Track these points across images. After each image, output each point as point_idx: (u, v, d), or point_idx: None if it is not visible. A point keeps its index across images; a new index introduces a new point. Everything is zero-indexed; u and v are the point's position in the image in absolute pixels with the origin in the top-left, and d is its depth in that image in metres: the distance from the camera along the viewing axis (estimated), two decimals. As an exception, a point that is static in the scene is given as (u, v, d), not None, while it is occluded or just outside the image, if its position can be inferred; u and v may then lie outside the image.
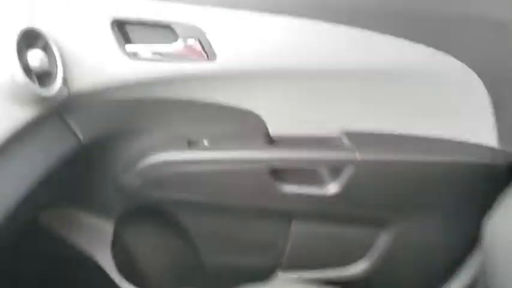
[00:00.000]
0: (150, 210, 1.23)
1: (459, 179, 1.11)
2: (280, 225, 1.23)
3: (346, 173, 1.12)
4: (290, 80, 1.12)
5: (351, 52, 1.09)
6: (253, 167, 1.14)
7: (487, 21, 1.10)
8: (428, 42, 1.08)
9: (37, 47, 0.97)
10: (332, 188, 1.14)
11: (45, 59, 0.97)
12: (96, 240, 1.26)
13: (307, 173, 1.16)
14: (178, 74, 1.12)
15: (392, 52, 1.08)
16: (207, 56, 1.10)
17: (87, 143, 1.11)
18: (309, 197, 1.15)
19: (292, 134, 1.18)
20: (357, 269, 1.24)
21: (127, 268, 1.30)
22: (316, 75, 1.10)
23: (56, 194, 1.13)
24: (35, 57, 0.95)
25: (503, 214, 0.89)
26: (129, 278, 1.28)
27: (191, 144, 1.19)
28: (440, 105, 1.11)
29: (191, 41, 1.10)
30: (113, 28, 1.09)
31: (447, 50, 1.08)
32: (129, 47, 1.11)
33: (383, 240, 1.20)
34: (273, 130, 1.18)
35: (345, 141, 1.14)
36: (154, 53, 1.11)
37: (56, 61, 1.03)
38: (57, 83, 1.03)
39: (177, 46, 1.11)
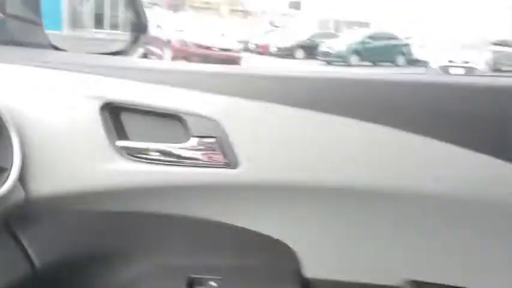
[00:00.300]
0: None
1: None
2: None
3: None
4: (336, 205, 0.86)
5: (429, 168, 0.77)
6: None
7: None
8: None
9: None
10: None
11: None
12: None
13: None
14: (183, 183, 0.81)
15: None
16: (227, 162, 0.79)
17: (44, 269, 0.84)
18: None
19: (335, 279, 0.89)
20: None
21: None
22: (372, 198, 0.84)
23: None
24: None
25: None
26: None
27: (193, 284, 0.91)
28: None
29: (208, 141, 0.79)
30: (102, 114, 0.80)
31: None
32: (121, 143, 0.81)
33: None
34: (310, 271, 0.89)
35: None
36: (156, 153, 0.81)
37: (12, 153, 0.73)
38: (9, 183, 0.71)
39: (188, 146, 0.80)
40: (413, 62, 14.81)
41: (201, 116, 0.80)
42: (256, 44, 18.19)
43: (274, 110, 0.80)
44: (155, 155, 0.81)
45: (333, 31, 20.85)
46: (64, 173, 0.81)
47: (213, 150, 0.80)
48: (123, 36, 1.28)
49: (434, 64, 11.01)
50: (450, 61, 10.57)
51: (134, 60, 1.25)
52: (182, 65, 1.09)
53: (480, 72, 9.28)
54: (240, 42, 14.56)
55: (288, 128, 0.80)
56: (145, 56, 5.96)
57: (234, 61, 10.81)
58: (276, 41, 17.74)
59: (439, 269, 0.89)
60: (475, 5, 20.82)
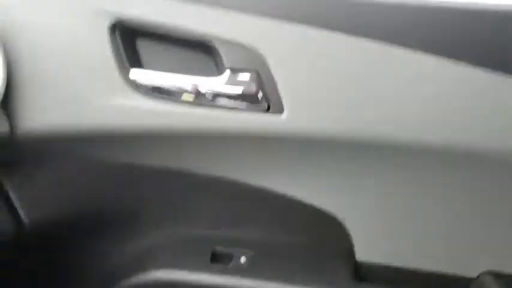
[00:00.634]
0: None
1: None
2: None
3: None
4: (402, 171, 0.67)
5: None
6: None
7: None
8: None
9: None
10: None
11: None
12: None
13: None
14: (208, 130, 0.64)
15: None
16: (268, 106, 0.61)
17: (32, 227, 0.71)
18: None
19: (391, 265, 0.72)
20: None
21: None
22: (454, 163, 0.64)
23: None
24: None
25: None
26: None
27: (217, 258, 0.74)
28: None
29: (245, 76, 0.60)
30: (112, 35, 0.62)
31: None
32: (136, 73, 0.63)
33: None
34: (363, 253, 0.71)
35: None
36: (177, 89, 0.63)
37: None
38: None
39: (219, 82, 0.62)
40: None
41: (237, 43, 0.61)
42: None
43: (335, 40, 0.60)
44: (176, 92, 0.63)
45: None
46: (58, 106, 0.64)
47: (251, 89, 0.61)
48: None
49: None
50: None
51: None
52: None
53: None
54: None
55: (351, 64, 0.60)
56: None
57: None
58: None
59: None
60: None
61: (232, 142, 0.66)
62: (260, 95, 0.61)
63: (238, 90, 0.62)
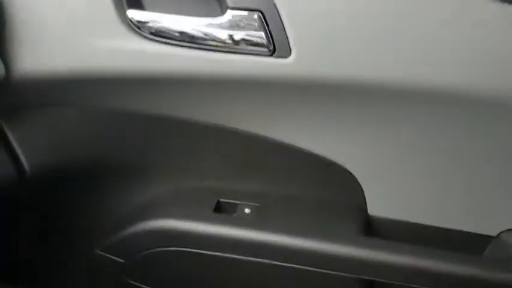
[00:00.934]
0: None
1: None
2: None
3: None
4: (416, 119, 0.63)
5: None
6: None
7: None
8: None
9: None
10: None
11: None
12: None
13: None
14: (210, 74, 0.60)
15: None
16: (273, 48, 0.57)
17: (35, 176, 0.69)
18: None
19: (405, 220, 0.69)
20: None
21: None
22: (475, 111, 0.59)
23: None
24: None
25: None
26: None
27: (221, 207, 0.73)
28: None
29: (249, 16, 0.56)
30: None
31: None
32: (134, 14, 0.59)
33: None
34: (374, 207, 0.69)
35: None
36: (178, 31, 0.59)
37: None
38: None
39: (222, 22, 0.58)
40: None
41: None
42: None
43: None
44: (177, 33, 0.59)
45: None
46: (54, 48, 0.61)
47: (256, 30, 0.57)
48: None
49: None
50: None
51: None
52: None
53: None
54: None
55: (365, 2, 0.55)
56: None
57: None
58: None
59: None
60: None
61: (235, 88, 0.62)
62: (265, 37, 0.57)
63: (241, 31, 0.58)
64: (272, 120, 0.66)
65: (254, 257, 0.67)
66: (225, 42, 0.58)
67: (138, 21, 0.59)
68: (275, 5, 0.55)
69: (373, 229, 0.71)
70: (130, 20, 0.60)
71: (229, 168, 0.73)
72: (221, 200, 0.72)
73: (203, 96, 0.65)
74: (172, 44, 0.60)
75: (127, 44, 0.60)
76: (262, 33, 0.57)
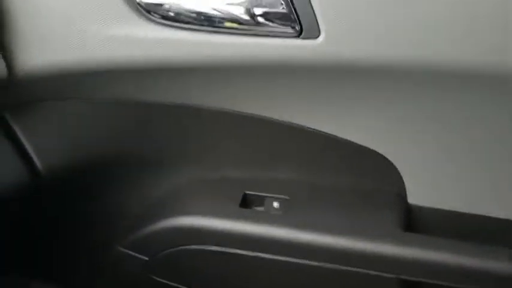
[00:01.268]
0: None
1: None
2: None
3: None
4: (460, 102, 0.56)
5: None
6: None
7: None
8: None
9: None
10: None
11: None
12: None
13: None
14: (232, 60, 0.54)
15: None
16: (300, 29, 0.50)
17: (49, 176, 0.66)
18: None
19: (446, 208, 0.63)
20: None
21: None
22: None
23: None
24: None
25: None
26: None
27: (247, 201, 0.68)
28: None
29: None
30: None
31: None
32: (142, -3, 0.53)
33: None
34: (415, 196, 0.63)
35: None
36: (193, 14, 0.52)
37: None
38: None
39: (242, 2, 0.52)
40: None
41: None
42: None
43: None
44: (192, 16, 0.53)
45: None
46: (57, 39, 0.55)
47: (280, 9, 0.51)
48: None
49: None
50: None
51: None
52: None
53: None
54: None
55: None
56: None
57: None
58: None
59: None
60: None
61: (259, 74, 0.56)
62: (291, 16, 0.51)
63: (263, 10, 0.51)
64: (300, 106, 0.60)
65: (283, 256, 0.62)
66: (247, 24, 0.52)
67: (148, 4, 0.53)
68: None
69: (413, 218, 0.65)
70: (138, 3, 0.54)
71: (256, 158, 0.67)
72: (247, 192, 0.67)
73: (222, 83, 0.59)
74: (186, 29, 0.53)
75: (137, 31, 0.54)
76: (287, 12, 0.50)
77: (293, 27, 0.51)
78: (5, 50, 0.55)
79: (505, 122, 0.56)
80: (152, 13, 0.54)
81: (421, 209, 0.64)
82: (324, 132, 0.61)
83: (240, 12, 0.52)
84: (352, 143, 0.61)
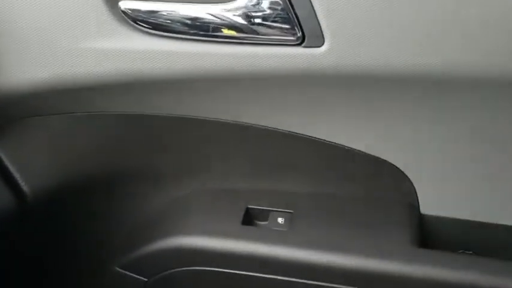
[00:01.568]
0: None
1: None
2: None
3: None
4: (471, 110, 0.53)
5: None
6: None
7: None
8: None
9: None
10: None
11: None
12: None
13: None
14: (230, 71, 0.50)
15: None
16: (302, 36, 0.46)
17: (37, 198, 0.61)
18: None
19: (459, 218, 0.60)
20: None
21: None
22: None
23: None
24: None
25: None
26: None
27: (250, 216, 0.64)
28: None
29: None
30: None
31: None
32: (127, 5, 0.48)
33: None
34: (427, 206, 0.60)
35: None
36: (186, 22, 0.48)
37: None
38: None
39: (237, 8, 0.47)
40: None
41: None
42: None
43: None
44: (183, 25, 0.48)
45: None
46: (40, 51, 0.50)
47: (280, 16, 0.46)
48: None
49: None
50: None
51: None
52: None
53: None
54: None
55: None
56: None
57: None
58: None
59: None
60: None
61: (260, 83, 0.52)
62: (291, 23, 0.46)
63: (261, 17, 0.47)
64: (305, 116, 0.56)
65: (288, 277, 0.59)
66: (245, 32, 0.47)
67: (134, 14, 0.49)
68: None
69: (425, 228, 0.62)
70: (123, 12, 0.49)
71: (258, 169, 0.63)
72: (250, 206, 0.63)
73: (219, 93, 0.55)
74: (178, 38, 0.49)
75: (125, 42, 0.49)
76: (287, 19, 0.46)
77: (294, 35, 0.47)
78: None
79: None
80: (139, 22, 0.49)
81: (434, 219, 0.61)
82: (332, 142, 0.57)
83: (234, 20, 0.47)
84: (362, 152, 0.57)
